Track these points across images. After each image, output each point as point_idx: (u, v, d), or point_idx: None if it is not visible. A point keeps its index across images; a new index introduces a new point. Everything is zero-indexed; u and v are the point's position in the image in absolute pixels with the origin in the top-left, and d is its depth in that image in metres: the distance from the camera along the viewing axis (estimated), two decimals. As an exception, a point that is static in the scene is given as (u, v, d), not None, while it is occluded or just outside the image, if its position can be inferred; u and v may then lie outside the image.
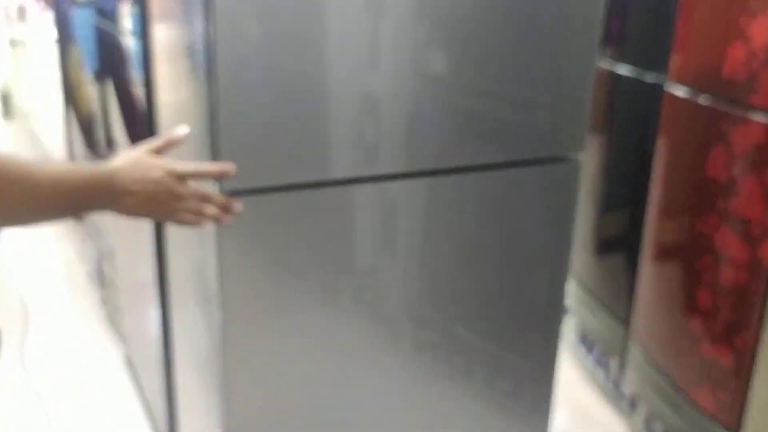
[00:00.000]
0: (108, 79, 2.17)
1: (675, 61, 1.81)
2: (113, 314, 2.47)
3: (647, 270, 1.95)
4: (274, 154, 1.19)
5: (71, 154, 2.94)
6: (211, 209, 0.96)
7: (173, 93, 1.39)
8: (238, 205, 1.01)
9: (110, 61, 2.10)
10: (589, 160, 2.31)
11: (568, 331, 2.52)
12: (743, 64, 1.55)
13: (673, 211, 1.87)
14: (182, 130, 0.99)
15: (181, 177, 0.92)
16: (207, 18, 1.09)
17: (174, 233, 1.52)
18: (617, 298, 2.18)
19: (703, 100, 1.70)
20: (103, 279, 2.58)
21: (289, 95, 1.17)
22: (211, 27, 1.09)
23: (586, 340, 2.41)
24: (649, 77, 2.01)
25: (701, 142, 1.71)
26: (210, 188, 1.04)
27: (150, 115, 1.59)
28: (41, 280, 2.94)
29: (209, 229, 1.17)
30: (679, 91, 1.79)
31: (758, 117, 1.52)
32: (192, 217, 0.95)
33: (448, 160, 1.32)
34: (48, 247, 3.21)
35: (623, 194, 2.20)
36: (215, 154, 1.14)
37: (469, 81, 1.30)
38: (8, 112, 4.98)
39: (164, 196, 0.90)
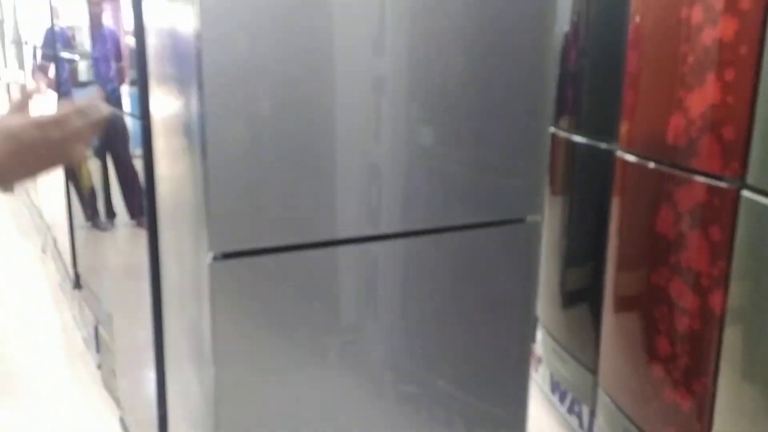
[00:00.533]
0: (108, 155, 2.33)
1: (623, 129, 1.99)
2: (109, 378, 2.55)
3: (609, 321, 2.08)
4: (265, 219, 1.31)
5: (71, 227, 3.07)
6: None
7: (170, 166, 1.54)
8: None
9: (110, 138, 2.26)
10: (553, 220, 2.49)
11: (542, 380, 2.63)
12: (683, 131, 1.73)
13: (629, 265, 2.02)
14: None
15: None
16: (200, 99, 1.23)
17: (171, 294, 1.65)
18: (584, 347, 2.30)
19: (650, 164, 1.87)
20: (99, 344, 2.67)
21: (288, 166, 1.29)
22: (203, 106, 1.23)
23: (558, 389, 2.51)
24: (602, 144, 2.18)
25: (651, 202, 1.87)
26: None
27: (149, 188, 1.73)
28: (38, 345, 3.02)
29: (204, 288, 1.29)
30: (629, 157, 1.96)
31: (699, 178, 1.68)
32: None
33: (428, 222, 1.45)
34: (46, 313, 3.30)
35: (585, 251, 2.35)
36: (209, 220, 1.27)
37: (451, 150, 1.46)
38: (9, 186, 5.11)
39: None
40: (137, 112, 1.78)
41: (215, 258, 1.25)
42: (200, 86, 1.19)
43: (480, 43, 1.41)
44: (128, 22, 1.96)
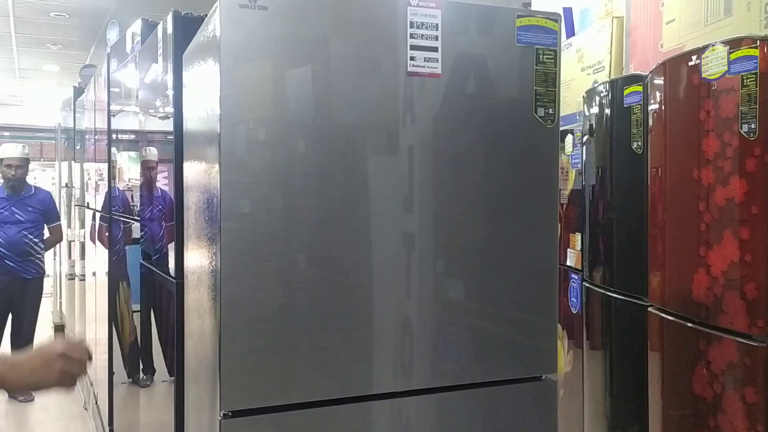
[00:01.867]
0: (149, 313, 2.42)
1: (652, 285, 1.98)
2: None
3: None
4: (280, 377, 1.31)
5: (111, 383, 3.12)
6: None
7: (195, 323, 1.59)
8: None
9: (155, 295, 2.36)
10: (593, 377, 2.41)
11: None
12: (708, 289, 1.71)
13: (670, 428, 1.92)
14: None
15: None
16: (220, 257, 1.30)
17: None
18: None
19: (681, 321, 1.84)
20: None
21: (317, 324, 1.33)
22: (222, 265, 1.30)
23: None
24: (636, 299, 2.16)
25: (686, 361, 1.82)
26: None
27: (179, 344, 1.79)
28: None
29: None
30: (660, 313, 1.94)
31: (729, 337, 1.64)
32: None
33: (457, 377, 1.45)
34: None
35: (629, 411, 2.25)
36: (223, 377, 1.29)
37: (475, 305, 1.47)
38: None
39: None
40: (172, 272, 1.88)
41: (225, 416, 1.26)
42: (221, 246, 1.26)
43: (497, 205, 1.46)
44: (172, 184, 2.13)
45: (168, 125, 2.24)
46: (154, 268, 2.21)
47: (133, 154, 3.06)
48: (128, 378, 2.87)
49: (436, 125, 1.38)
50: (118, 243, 3.03)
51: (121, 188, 3.04)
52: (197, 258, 1.60)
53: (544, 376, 1.50)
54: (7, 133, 9.89)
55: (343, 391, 1.35)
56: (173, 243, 2.22)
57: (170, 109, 1.93)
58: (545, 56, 1.39)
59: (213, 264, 1.33)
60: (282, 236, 1.28)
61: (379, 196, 1.36)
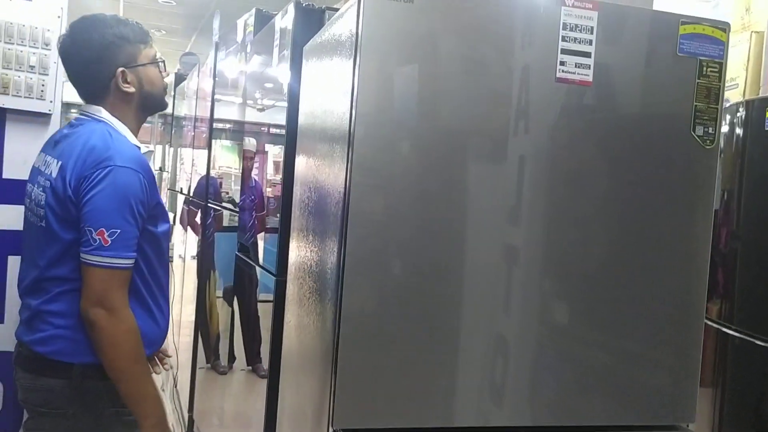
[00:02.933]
0: (235, 302, 2.40)
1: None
2: None
3: None
4: (389, 398, 1.23)
5: (194, 369, 3.14)
6: None
7: (298, 317, 1.53)
8: None
9: (240, 284, 2.34)
10: (701, 420, 2.23)
11: None
12: None
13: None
14: None
15: None
16: (340, 254, 1.22)
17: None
18: None
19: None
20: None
21: (415, 331, 1.23)
22: (341, 262, 1.23)
23: None
24: (758, 341, 1.98)
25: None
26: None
27: (275, 338, 1.74)
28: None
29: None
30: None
31: None
32: None
33: (558, 417, 1.32)
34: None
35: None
36: (337, 394, 1.21)
37: (587, 332, 1.34)
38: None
39: None
40: (273, 268, 1.83)
41: (337, 434, 1.18)
42: (345, 253, 1.18)
43: (625, 225, 1.33)
44: (274, 175, 2.09)
45: (273, 117, 2.21)
46: (250, 261, 2.18)
47: (227, 142, 3.07)
48: (207, 363, 2.87)
49: (572, 134, 1.26)
50: (209, 228, 3.04)
51: (214, 177, 3.05)
52: (305, 257, 1.54)
53: (679, 425, 1.35)
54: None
55: (422, 421, 1.24)
56: (263, 233, 2.19)
57: (283, 103, 1.89)
58: (709, 69, 1.25)
59: (330, 269, 1.25)
60: (410, 245, 1.20)
61: (481, 201, 1.26)
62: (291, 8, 1.83)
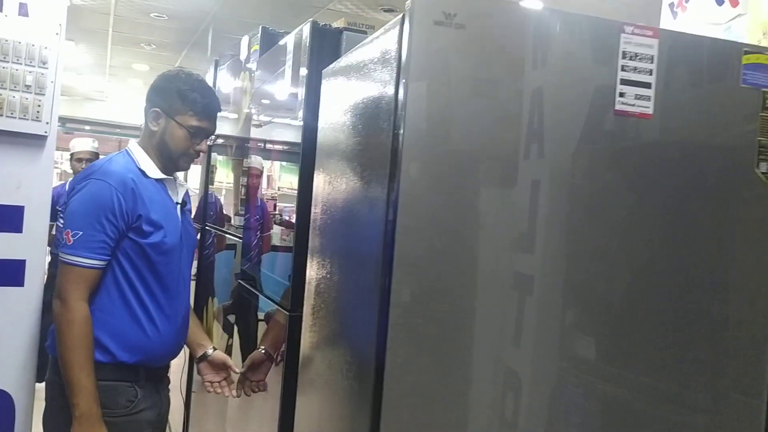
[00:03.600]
0: (234, 324, 2.28)
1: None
2: None
3: None
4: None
5: (188, 392, 3.02)
6: None
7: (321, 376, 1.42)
8: None
9: (239, 309, 2.23)
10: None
11: None
12: None
13: None
14: None
15: None
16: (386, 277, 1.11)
17: None
18: None
19: None
20: None
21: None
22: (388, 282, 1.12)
23: None
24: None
25: None
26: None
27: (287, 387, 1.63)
28: None
29: None
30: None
31: None
32: None
33: None
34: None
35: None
36: None
37: (612, 369, 1.25)
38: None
39: None
40: (288, 304, 1.72)
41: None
42: (391, 302, 1.08)
43: (674, 265, 1.23)
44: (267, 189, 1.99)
45: (269, 133, 2.13)
46: (256, 292, 2.07)
47: (220, 157, 2.96)
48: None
49: (633, 169, 1.17)
50: (208, 248, 2.92)
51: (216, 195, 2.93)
52: (327, 294, 1.44)
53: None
54: (87, 127, 10.10)
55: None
56: (267, 254, 2.08)
57: (294, 121, 1.79)
58: (774, 101, 1.17)
59: (368, 318, 1.15)
60: (455, 291, 1.10)
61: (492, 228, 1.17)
62: (306, 28, 1.74)
